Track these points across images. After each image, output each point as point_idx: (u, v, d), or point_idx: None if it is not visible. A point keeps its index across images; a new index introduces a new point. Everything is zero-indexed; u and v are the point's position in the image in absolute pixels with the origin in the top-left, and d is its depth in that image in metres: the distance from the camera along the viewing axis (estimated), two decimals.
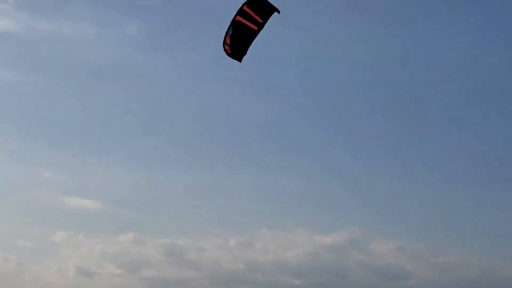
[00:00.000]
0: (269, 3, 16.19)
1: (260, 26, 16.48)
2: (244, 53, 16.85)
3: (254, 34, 16.55)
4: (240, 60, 17.03)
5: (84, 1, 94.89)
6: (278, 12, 16.22)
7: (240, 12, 16.49)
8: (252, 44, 16.86)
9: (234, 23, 16.55)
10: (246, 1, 16.37)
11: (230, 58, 17.47)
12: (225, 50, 17.06)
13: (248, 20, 16.44)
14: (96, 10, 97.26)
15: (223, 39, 16.98)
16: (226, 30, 16.76)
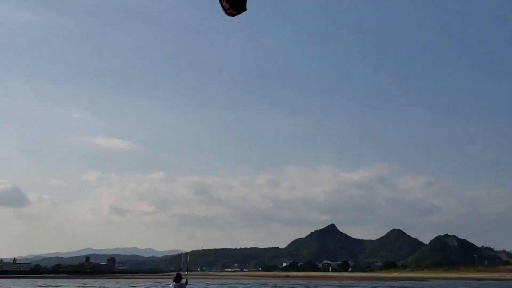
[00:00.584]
0: None
1: None
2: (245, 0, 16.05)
3: None
4: (245, 9, 16.16)
5: None
6: None
7: None
8: None
9: None
10: None
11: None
12: (230, 14, 16.11)
13: None
14: None
15: (221, 7, 16.05)
16: None
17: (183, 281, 20.57)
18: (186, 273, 21.33)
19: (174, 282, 20.25)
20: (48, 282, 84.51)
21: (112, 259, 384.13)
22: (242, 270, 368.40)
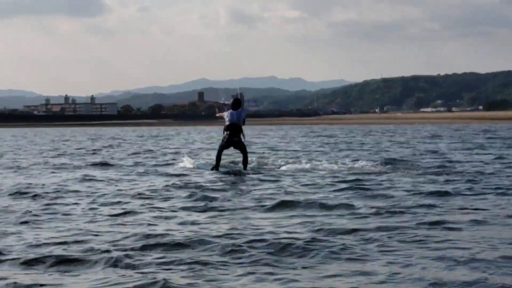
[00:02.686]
0: None
1: None
2: None
3: None
4: None
5: None
6: None
7: None
8: None
9: None
10: None
11: None
12: None
13: None
14: None
15: None
16: None
17: (243, 112, 22.85)
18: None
19: (231, 110, 22.57)
20: (148, 131, 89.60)
21: (239, 96, 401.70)
22: (449, 110, 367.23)
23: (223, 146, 22.05)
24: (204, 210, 13.46)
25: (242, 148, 22.12)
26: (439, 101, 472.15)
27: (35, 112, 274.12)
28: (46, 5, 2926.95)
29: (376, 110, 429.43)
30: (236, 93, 23.10)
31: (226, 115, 22.38)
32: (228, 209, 13.44)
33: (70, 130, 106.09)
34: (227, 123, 22.20)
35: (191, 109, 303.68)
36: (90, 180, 19.35)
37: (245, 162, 22.09)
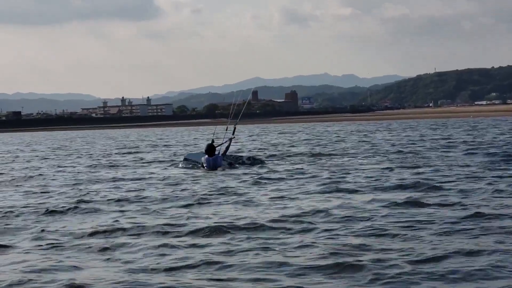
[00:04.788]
0: None
1: None
2: None
3: None
4: None
5: None
6: None
7: None
8: None
9: None
10: None
11: None
12: None
13: None
14: None
15: None
16: None
17: (218, 152, 23.89)
18: (233, 137, 25.77)
19: (206, 156, 23.56)
20: (204, 130, 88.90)
21: (292, 94, 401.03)
22: (504, 103, 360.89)
23: None
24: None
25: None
26: (494, 94, 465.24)
27: (93, 115, 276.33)
28: (102, 11, 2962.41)
29: (430, 104, 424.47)
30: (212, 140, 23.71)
31: (203, 161, 23.57)
32: None
33: (141, 131, 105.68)
34: (205, 168, 23.46)
35: (246, 107, 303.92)
36: None
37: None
